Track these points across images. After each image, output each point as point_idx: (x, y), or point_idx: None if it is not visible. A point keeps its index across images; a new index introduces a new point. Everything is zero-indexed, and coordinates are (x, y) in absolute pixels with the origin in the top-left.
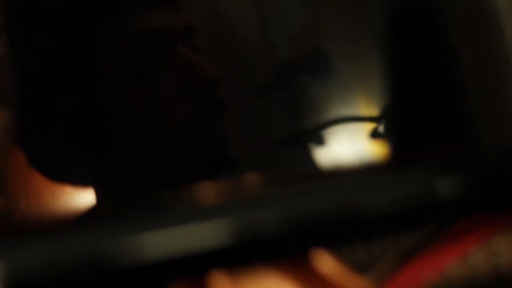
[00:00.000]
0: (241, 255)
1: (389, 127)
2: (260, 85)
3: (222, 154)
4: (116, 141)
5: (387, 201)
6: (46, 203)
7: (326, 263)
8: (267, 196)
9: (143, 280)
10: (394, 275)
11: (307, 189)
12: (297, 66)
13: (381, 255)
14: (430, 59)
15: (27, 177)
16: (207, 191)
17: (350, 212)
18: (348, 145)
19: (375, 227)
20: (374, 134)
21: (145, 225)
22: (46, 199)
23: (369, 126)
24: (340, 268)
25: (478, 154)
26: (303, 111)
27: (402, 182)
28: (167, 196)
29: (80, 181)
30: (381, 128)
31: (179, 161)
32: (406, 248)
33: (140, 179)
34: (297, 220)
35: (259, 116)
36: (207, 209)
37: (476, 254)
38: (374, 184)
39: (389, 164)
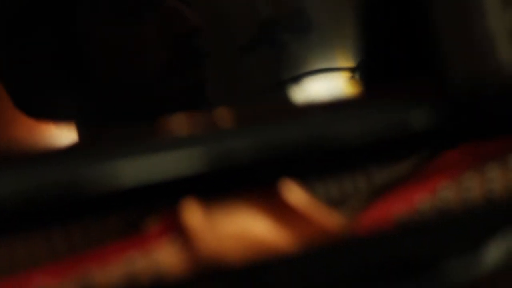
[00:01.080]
0: (214, 183)
1: (362, 65)
2: (242, 41)
3: (198, 99)
4: (96, 76)
5: (359, 134)
6: (29, 144)
7: (295, 193)
8: (240, 127)
9: (119, 206)
10: (366, 210)
11: (279, 120)
12: (279, 24)
13: (353, 191)
14: None
15: (11, 119)
16: (182, 123)
17: (322, 144)
18: (324, 89)
19: (347, 160)
20: (350, 80)
21: (121, 153)
22: (30, 140)
23: (345, 75)
24: (310, 200)
25: (448, 86)
26: (283, 66)
27: (374, 114)
28: (143, 127)
29: (61, 117)
30: (356, 75)
31: (156, 99)
32: (378, 183)
33: (118, 114)
34: (269, 151)
35: (239, 69)
36: (182, 139)
37: (447, 190)
38: (346, 116)
39: (361, 98)
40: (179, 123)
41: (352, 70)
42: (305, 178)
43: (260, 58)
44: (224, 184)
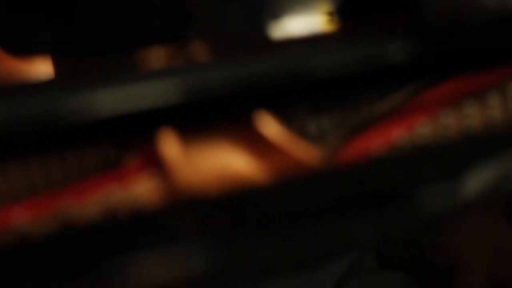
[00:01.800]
0: (190, 115)
1: (341, 6)
2: None
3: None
4: (75, 9)
5: (336, 66)
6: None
7: (270, 126)
8: (217, 59)
9: (96, 138)
10: (344, 146)
11: (256, 53)
12: None
13: (330, 127)
14: None
15: None
16: (160, 56)
17: (299, 76)
18: (303, 30)
19: (325, 96)
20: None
21: (98, 84)
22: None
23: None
24: (286, 133)
25: (424, 19)
26: (264, 8)
27: (351, 46)
28: (121, 60)
29: (39, 51)
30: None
31: (134, 32)
32: (357, 120)
33: (96, 47)
34: (246, 83)
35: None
36: (159, 70)
37: (424, 126)
38: (323, 49)
39: (339, 32)
40: (157, 56)
41: (331, 13)
42: (281, 112)
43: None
44: (201, 116)
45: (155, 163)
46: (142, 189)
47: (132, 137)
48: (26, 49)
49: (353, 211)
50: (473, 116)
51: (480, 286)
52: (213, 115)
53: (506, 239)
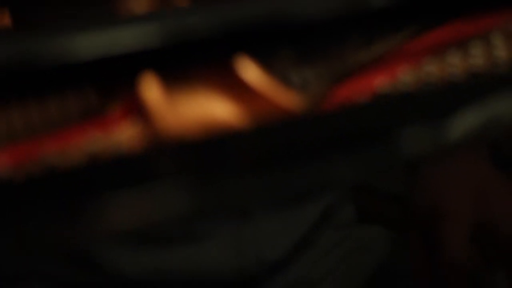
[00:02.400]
0: (171, 60)
1: None
2: None
3: None
4: None
5: (318, 10)
6: None
7: (252, 71)
8: (198, 3)
9: (77, 81)
10: (326, 95)
11: None
12: None
13: (313, 76)
14: None
15: None
16: (140, 1)
17: (280, 20)
18: None
19: (307, 42)
20: None
21: (78, 27)
22: None
23: None
24: (267, 78)
25: None
26: None
27: None
28: (102, 4)
29: None
30: None
31: None
32: (339, 68)
33: None
34: (226, 26)
35: None
36: (139, 14)
37: (406, 74)
38: None
39: None
40: (137, 0)
41: None
42: (263, 60)
43: None
44: (182, 61)
45: (137, 110)
46: (124, 135)
47: (114, 83)
48: None
49: (332, 154)
50: (456, 65)
51: (464, 231)
52: (194, 60)
53: (489, 182)
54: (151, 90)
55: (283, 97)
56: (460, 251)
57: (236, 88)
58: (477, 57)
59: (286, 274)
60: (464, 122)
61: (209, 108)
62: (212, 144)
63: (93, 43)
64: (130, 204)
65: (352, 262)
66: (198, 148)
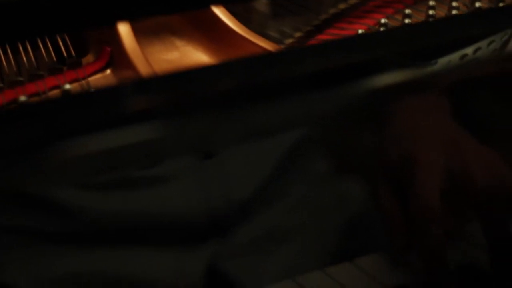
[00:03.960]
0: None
1: None
2: None
3: None
4: None
5: None
6: None
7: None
8: None
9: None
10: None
11: None
12: None
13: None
14: None
15: None
16: None
17: None
18: None
19: None
20: None
21: None
22: None
23: None
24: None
25: None
26: None
27: None
28: None
29: None
30: None
31: None
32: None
33: None
34: None
35: None
36: None
37: (388, 19)
38: None
39: None
40: None
41: None
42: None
43: None
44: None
45: (113, 55)
46: (99, 80)
47: (89, 30)
48: None
49: (308, 87)
50: (435, 8)
51: (437, 181)
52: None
53: (460, 131)
54: (127, 38)
55: (260, 41)
56: (432, 200)
57: (213, 35)
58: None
59: (256, 215)
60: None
61: (185, 53)
62: (180, 78)
63: None
64: (98, 137)
65: (326, 205)
66: (166, 82)
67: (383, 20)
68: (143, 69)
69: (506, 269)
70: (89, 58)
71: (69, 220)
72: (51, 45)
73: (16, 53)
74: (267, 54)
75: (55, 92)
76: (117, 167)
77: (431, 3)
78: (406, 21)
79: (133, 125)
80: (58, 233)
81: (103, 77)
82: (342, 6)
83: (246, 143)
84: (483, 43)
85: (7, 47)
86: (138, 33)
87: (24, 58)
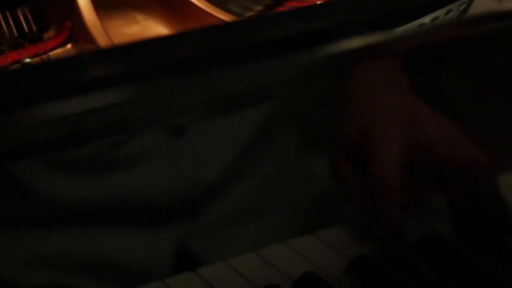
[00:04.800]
0: None
1: None
2: None
3: None
4: None
5: None
6: None
7: None
8: None
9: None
10: None
11: None
12: None
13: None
14: None
15: None
16: None
17: None
18: None
19: None
20: None
21: None
22: None
23: None
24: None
25: None
26: None
27: None
28: None
29: None
30: None
31: None
32: None
33: None
34: None
35: None
36: None
37: None
38: None
39: None
40: None
41: None
42: None
43: None
44: None
45: (74, 30)
46: (60, 54)
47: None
48: None
49: (268, 53)
50: None
51: (396, 152)
52: None
53: (418, 103)
54: (87, 13)
55: (222, 21)
56: (390, 172)
57: (175, 13)
58: None
59: (223, 193)
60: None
61: (146, 27)
62: (138, 48)
63: None
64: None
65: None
66: (127, 50)
67: None
68: (104, 43)
69: (467, 239)
70: (50, 33)
71: (37, 200)
72: (12, 21)
73: None
74: (226, 23)
75: (16, 67)
76: (80, 140)
77: None
78: None
79: (93, 93)
80: (29, 214)
81: (64, 52)
82: None
83: (211, 117)
84: (440, 12)
85: None
86: (98, 7)
87: None
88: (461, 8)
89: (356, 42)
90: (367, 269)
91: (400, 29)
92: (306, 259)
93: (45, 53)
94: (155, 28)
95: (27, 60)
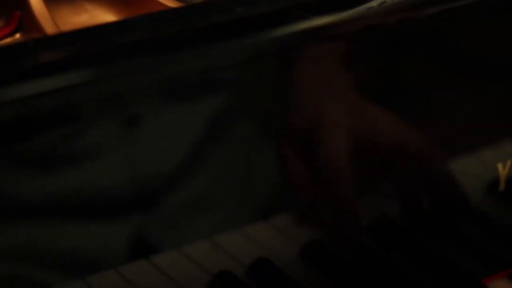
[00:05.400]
0: None
1: None
2: None
3: None
4: None
5: None
6: None
7: None
8: None
9: None
10: None
11: None
12: None
13: None
14: None
15: None
16: None
17: None
18: None
19: None
20: None
21: None
22: None
23: None
24: None
25: None
26: None
27: None
28: None
29: None
30: None
31: None
32: None
33: None
34: None
35: None
36: None
37: None
38: None
39: None
40: None
41: None
42: None
43: None
44: None
45: (22, 20)
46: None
47: None
48: None
49: (210, 37)
50: None
51: (342, 140)
52: None
53: (365, 91)
54: (36, 3)
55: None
56: (341, 159)
57: (123, 1)
58: None
59: (180, 185)
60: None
61: (94, 15)
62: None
63: None
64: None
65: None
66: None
67: None
68: (52, 32)
69: (415, 221)
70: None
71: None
72: None
73: None
74: (173, 9)
75: None
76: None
77: None
78: None
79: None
80: None
81: (13, 42)
82: None
83: (163, 107)
84: None
85: None
86: None
87: None
88: None
89: (302, 26)
90: (319, 254)
91: (347, 13)
92: (259, 245)
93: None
94: (104, 16)
95: None
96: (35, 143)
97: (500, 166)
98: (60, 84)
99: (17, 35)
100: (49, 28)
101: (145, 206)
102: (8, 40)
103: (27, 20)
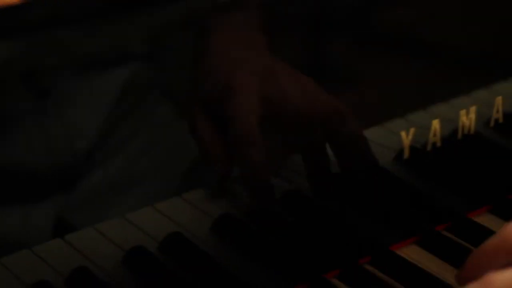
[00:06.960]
0: None
1: None
2: None
3: None
4: None
5: None
6: None
7: None
8: None
9: None
10: None
11: None
12: None
13: None
14: None
15: None
16: None
17: None
18: None
19: None
20: None
21: None
22: None
23: None
24: None
25: None
26: None
27: None
28: None
29: None
30: None
31: None
32: None
33: None
34: None
35: None
36: None
37: None
38: None
39: None
40: None
41: None
42: None
43: None
44: None
45: None
46: None
47: None
48: None
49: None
50: None
51: (252, 107)
52: None
53: (277, 57)
54: None
55: None
56: (248, 126)
57: None
58: None
59: (94, 163)
60: None
61: None
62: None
63: None
64: None
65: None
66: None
67: None
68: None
69: (324, 193)
70: None
71: None
72: None
73: None
74: None
75: None
76: None
77: None
78: None
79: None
80: None
81: None
82: None
83: (75, 80)
84: None
85: None
86: None
87: None
88: None
89: None
90: (230, 227)
91: None
92: (172, 220)
93: None
94: None
95: None
96: None
97: (403, 134)
98: None
99: None
100: None
101: (60, 184)
102: None
103: None
